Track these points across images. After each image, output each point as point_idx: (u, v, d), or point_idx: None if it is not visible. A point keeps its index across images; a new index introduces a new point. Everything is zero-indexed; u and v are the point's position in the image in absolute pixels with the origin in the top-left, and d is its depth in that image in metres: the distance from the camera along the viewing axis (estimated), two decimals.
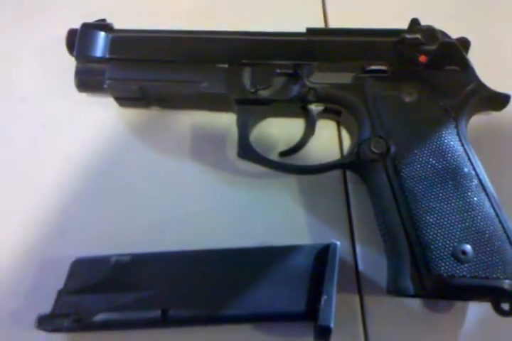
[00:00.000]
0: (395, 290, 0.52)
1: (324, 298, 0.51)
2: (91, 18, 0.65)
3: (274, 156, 0.62)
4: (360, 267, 0.59)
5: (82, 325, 0.51)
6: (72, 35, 0.63)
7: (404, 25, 0.62)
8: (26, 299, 0.57)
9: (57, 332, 0.53)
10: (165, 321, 0.52)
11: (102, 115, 0.67)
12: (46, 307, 0.52)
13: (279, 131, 0.66)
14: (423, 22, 0.61)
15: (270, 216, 0.61)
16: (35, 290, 0.57)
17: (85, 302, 0.52)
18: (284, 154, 0.62)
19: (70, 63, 0.63)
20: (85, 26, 0.64)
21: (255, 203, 0.62)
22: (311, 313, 0.51)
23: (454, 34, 0.61)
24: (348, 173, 0.64)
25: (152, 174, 0.64)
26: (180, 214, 0.61)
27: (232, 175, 0.64)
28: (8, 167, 0.65)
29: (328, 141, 0.66)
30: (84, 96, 0.67)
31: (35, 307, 0.52)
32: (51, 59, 0.69)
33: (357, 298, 0.57)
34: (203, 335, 0.55)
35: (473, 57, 0.61)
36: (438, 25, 0.60)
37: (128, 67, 0.62)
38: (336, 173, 0.63)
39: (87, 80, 0.63)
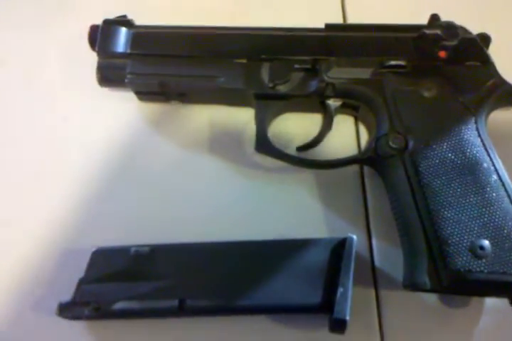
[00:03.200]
0: (412, 284, 0.52)
1: (340, 290, 0.51)
2: (112, 15, 0.66)
3: (291, 151, 0.63)
4: (376, 261, 0.59)
5: (102, 313, 0.52)
6: (94, 30, 0.64)
7: (424, 21, 0.62)
8: (48, 287, 0.58)
9: (77, 319, 0.54)
10: (182, 311, 0.52)
11: (123, 109, 0.68)
12: (67, 295, 0.53)
13: (297, 125, 0.66)
14: (443, 18, 0.61)
15: (287, 210, 0.62)
16: (57, 278, 0.59)
17: (105, 291, 0.53)
18: (301, 149, 0.63)
19: (92, 58, 0.64)
20: (107, 22, 0.65)
21: (273, 197, 0.63)
22: (326, 306, 0.51)
23: (475, 30, 0.61)
24: (365, 168, 0.64)
25: (171, 167, 0.65)
26: (198, 207, 0.62)
27: (249, 169, 0.64)
28: (30, 159, 0.66)
29: (346, 136, 0.66)
30: (106, 91, 0.68)
31: (57, 294, 0.53)
32: (74, 54, 0.71)
33: (373, 291, 0.58)
34: (219, 325, 0.55)
35: (494, 52, 0.60)
36: (458, 21, 0.60)
37: (148, 62, 0.63)
38: (353, 168, 0.63)
39: (109, 75, 0.64)
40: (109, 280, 0.54)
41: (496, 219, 0.50)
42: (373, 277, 0.58)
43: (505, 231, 0.50)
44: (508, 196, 0.52)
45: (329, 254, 0.54)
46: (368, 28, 0.63)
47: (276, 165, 0.63)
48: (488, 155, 0.54)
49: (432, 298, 0.57)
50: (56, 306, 0.53)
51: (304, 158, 0.62)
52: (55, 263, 0.60)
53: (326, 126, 0.62)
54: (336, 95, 0.61)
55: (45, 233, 0.61)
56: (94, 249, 0.56)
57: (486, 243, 0.49)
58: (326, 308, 0.51)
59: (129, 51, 0.63)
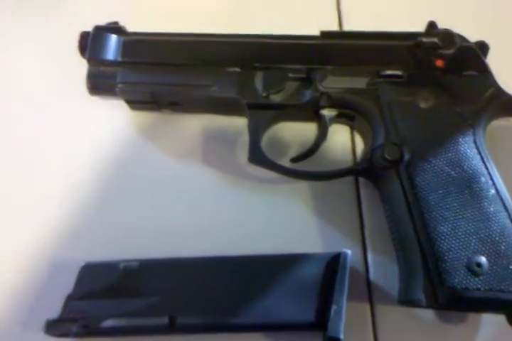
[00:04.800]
0: (407, 301, 0.51)
1: (334, 308, 0.50)
2: (104, 21, 0.65)
3: (285, 161, 0.61)
4: (372, 276, 0.58)
5: (90, 330, 0.51)
6: (84, 37, 0.63)
7: (420, 28, 0.60)
8: (35, 303, 0.57)
9: (65, 337, 0.52)
10: (172, 328, 0.51)
11: (114, 118, 0.67)
12: (55, 311, 0.52)
13: (291, 135, 0.65)
14: (440, 25, 0.60)
15: (281, 222, 0.61)
16: (44, 294, 0.57)
17: (93, 308, 0.52)
18: (295, 160, 0.61)
19: (83, 66, 0.63)
20: (97, 29, 0.63)
21: (266, 209, 0.61)
22: (320, 323, 0.50)
23: (473, 38, 0.60)
24: (361, 179, 0.62)
25: (162, 178, 0.63)
26: (188, 219, 0.61)
27: (242, 180, 0.63)
28: (18, 169, 0.65)
29: (341, 146, 0.65)
30: (96, 99, 0.66)
31: (44, 311, 0.52)
32: (65, 62, 0.69)
33: (368, 307, 0.56)
34: None
35: (492, 61, 0.59)
36: (456, 29, 0.59)
37: (140, 70, 0.62)
38: (349, 179, 0.62)
39: (99, 84, 0.63)
40: (97, 296, 0.53)
41: (493, 235, 0.49)
42: (368, 292, 0.57)
43: (503, 247, 0.49)
44: (506, 210, 0.51)
45: (323, 270, 0.53)
46: (364, 36, 0.62)
47: (269, 175, 0.62)
48: (486, 168, 0.53)
49: (428, 314, 0.55)
50: (43, 323, 0.51)
51: (297, 170, 0.60)
52: (42, 278, 0.58)
53: (321, 136, 0.61)
54: (331, 105, 0.60)
55: (32, 247, 0.60)
56: (82, 264, 0.55)
57: (483, 259, 0.48)
58: (319, 325, 0.50)
59: (119, 59, 0.62)
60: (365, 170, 0.58)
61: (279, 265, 0.54)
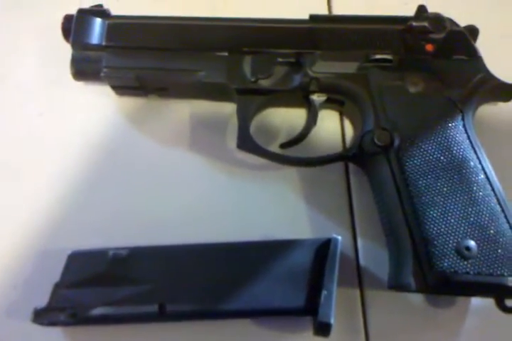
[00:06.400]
0: (397, 285, 0.52)
1: (324, 293, 0.50)
2: (88, 4, 0.63)
3: (274, 147, 0.61)
4: (362, 261, 0.58)
5: (78, 319, 0.51)
6: (68, 21, 0.61)
7: (410, 12, 0.59)
8: (23, 291, 0.56)
9: (53, 325, 0.52)
10: (162, 315, 0.51)
11: (100, 104, 0.66)
12: (43, 299, 0.51)
13: (281, 121, 0.64)
14: (430, 9, 0.59)
15: (270, 208, 0.60)
16: (31, 282, 0.57)
17: (82, 296, 0.52)
18: (284, 146, 0.61)
19: (67, 50, 0.61)
20: (81, 12, 0.62)
21: (255, 195, 0.61)
22: (310, 308, 0.50)
23: (462, 22, 0.59)
24: (351, 165, 0.62)
25: (150, 165, 0.62)
26: (177, 206, 0.60)
27: (231, 166, 0.63)
28: (4, 156, 0.64)
29: (331, 132, 0.64)
30: (82, 85, 0.65)
31: (32, 299, 0.51)
32: (48, 46, 0.68)
33: (358, 292, 0.57)
34: (201, 329, 0.54)
35: (482, 46, 0.59)
36: (446, 13, 0.58)
37: (125, 55, 0.60)
38: (338, 165, 0.62)
39: (84, 68, 0.61)
40: (85, 284, 0.52)
41: (483, 219, 0.50)
42: (358, 277, 0.57)
43: (492, 231, 0.49)
44: (495, 195, 0.51)
45: (313, 255, 0.53)
46: (354, 20, 0.61)
47: (259, 161, 0.61)
48: (475, 153, 0.53)
49: (417, 298, 0.56)
50: (31, 312, 0.51)
51: (287, 156, 0.60)
52: (30, 267, 0.58)
53: (311, 122, 0.61)
54: (321, 90, 0.60)
55: (20, 235, 0.59)
56: (69, 252, 0.54)
57: (472, 243, 0.48)
58: (310, 311, 0.51)
59: (104, 43, 0.61)
60: (354, 156, 0.58)
61: (269, 251, 0.54)
